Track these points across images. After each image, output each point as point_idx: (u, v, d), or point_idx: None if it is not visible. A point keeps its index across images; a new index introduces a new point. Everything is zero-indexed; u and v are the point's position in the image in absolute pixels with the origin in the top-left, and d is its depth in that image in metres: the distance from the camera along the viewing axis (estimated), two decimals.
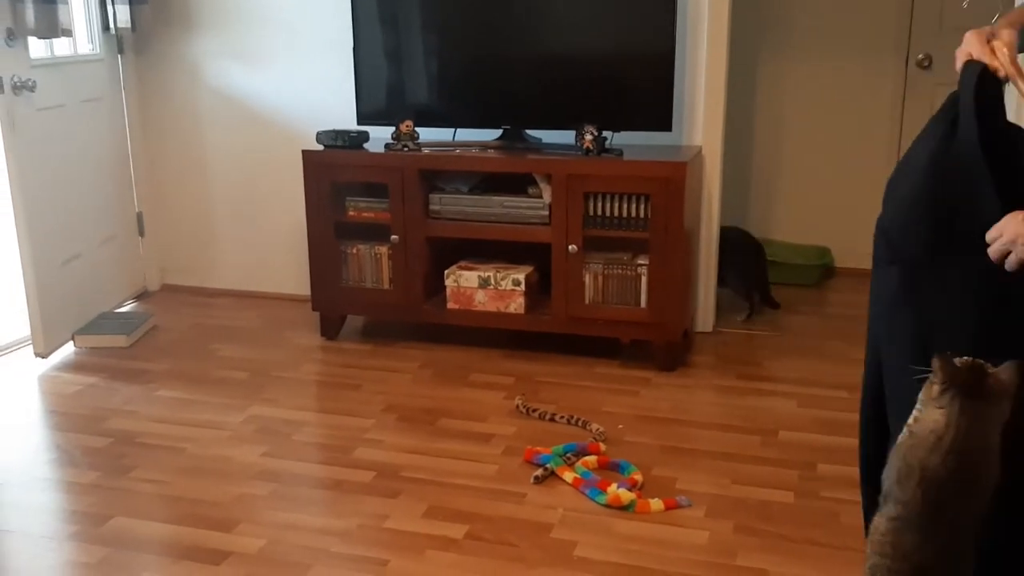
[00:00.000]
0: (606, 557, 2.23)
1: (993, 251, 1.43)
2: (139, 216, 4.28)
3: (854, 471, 2.62)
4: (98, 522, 2.40)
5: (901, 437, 1.47)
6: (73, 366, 3.50)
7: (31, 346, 3.54)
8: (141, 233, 4.30)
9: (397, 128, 3.49)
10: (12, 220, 3.40)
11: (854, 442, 2.79)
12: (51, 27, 3.38)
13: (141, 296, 4.32)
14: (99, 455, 2.78)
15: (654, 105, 3.33)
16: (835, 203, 4.65)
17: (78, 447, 2.83)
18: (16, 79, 3.30)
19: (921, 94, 4.44)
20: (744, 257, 3.96)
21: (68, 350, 3.65)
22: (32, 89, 3.36)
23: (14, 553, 2.27)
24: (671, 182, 3.17)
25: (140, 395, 3.22)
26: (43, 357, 3.52)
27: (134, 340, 3.72)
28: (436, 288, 3.61)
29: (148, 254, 4.35)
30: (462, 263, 3.59)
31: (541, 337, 3.65)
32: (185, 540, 2.31)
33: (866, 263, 4.81)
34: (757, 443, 2.81)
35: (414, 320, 3.63)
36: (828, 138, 4.60)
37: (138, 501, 2.51)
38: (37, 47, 3.59)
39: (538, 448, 2.73)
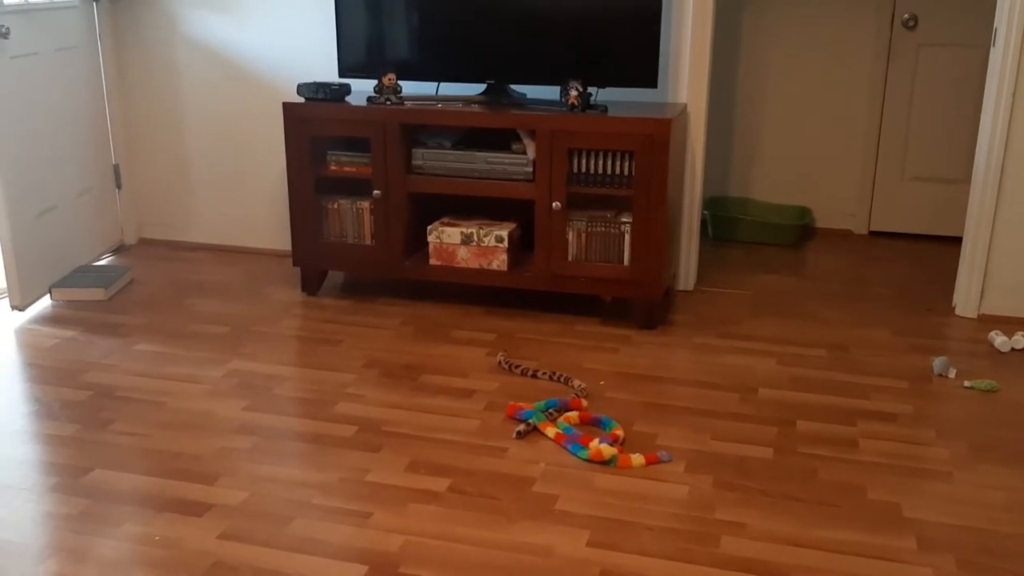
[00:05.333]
0: (587, 511, 2.25)
1: None
2: (116, 168, 4.21)
3: (833, 428, 2.66)
4: (78, 474, 2.39)
5: None
6: (50, 319, 3.46)
7: (7, 299, 3.49)
8: (118, 186, 4.24)
9: (380, 81, 3.44)
10: None
11: (832, 400, 2.84)
12: None
13: (118, 250, 4.27)
14: (78, 408, 2.76)
15: (640, 61, 3.31)
16: (816, 164, 4.66)
17: (57, 400, 2.81)
18: None
19: (905, 54, 4.43)
20: None
21: (45, 303, 3.61)
22: (6, 36, 3.28)
23: None
24: (656, 139, 3.15)
25: (118, 349, 3.19)
26: (20, 310, 3.48)
27: (112, 294, 3.68)
28: (418, 244, 3.59)
29: (125, 207, 4.29)
30: (444, 219, 3.57)
31: (522, 294, 3.65)
32: (166, 492, 2.31)
33: (845, 224, 4.87)
34: (736, 400, 2.83)
35: (396, 276, 3.61)
36: (810, 98, 4.59)
37: (118, 454, 2.50)
38: None
39: (520, 404, 2.74)
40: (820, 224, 4.71)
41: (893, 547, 2.11)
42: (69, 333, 3.33)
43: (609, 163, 3.26)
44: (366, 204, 3.57)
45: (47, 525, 2.18)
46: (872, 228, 4.66)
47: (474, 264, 3.48)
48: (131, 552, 2.07)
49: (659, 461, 2.47)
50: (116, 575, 1.99)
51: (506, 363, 3.04)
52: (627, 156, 3.23)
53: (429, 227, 3.51)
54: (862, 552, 2.09)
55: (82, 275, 3.77)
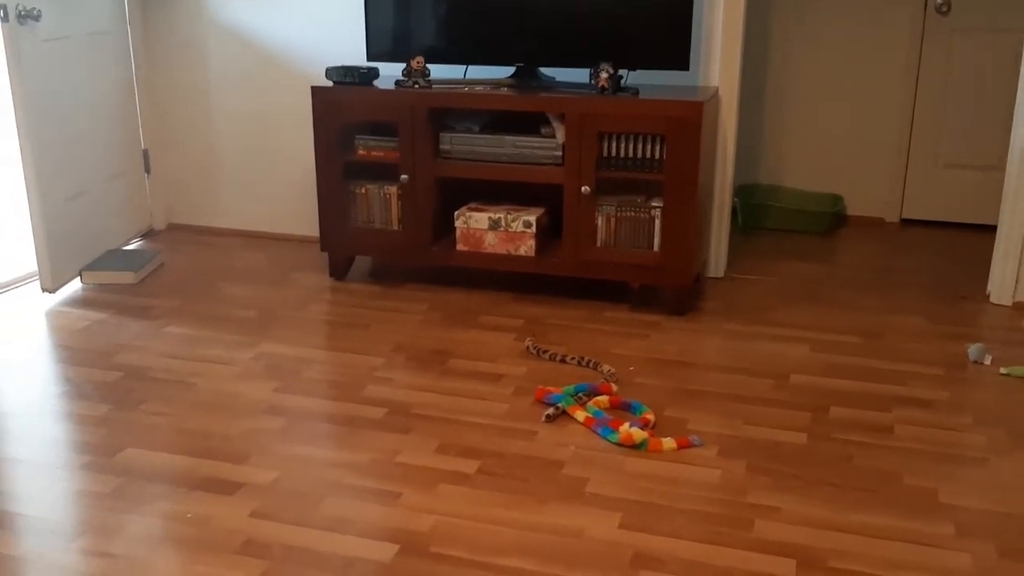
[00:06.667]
0: (618, 494, 2.23)
1: None
2: (145, 153, 4.23)
3: (867, 414, 2.63)
4: (110, 453, 2.40)
5: None
6: (81, 302, 3.48)
7: (38, 281, 3.52)
8: (147, 171, 4.26)
9: (408, 65, 3.43)
10: (18, 153, 3.36)
11: (867, 386, 2.80)
12: None
13: (148, 234, 4.29)
14: (109, 389, 2.77)
15: (671, 43, 3.27)
16: (848, 150, 4.60)
17: (88, 381, 2.83)
18: (21, 7, 3.23)
19: (939, 40, 4.36)
20: None
21: (75, 286, 3.63)
22: (37, 18, 3.30)
23: (28, 482, 2.27)
24: (687, 122, 3.12)
25: (149, 331, 3.20)
26: (50, 292, 3.50)
27: (142, 277, 3.70)
28: (445, 229, 3.58)
29: (154, 192, 4.31)
30: (472, 204, 3.55)
31: (550, 280, 3.63)
32: (198, 471, 2.32)
33: (878, 211, 4.80)
34: (769, 386, 2.80)
35: (423, 262, 3.60)
36: (842, 84, 4.53)
37: (149, 433, 2.51)
38: None
39: (549, 388, 2.72)
40: (852, 212, 4.65)
41: (931, 533, 2.08)
42: (100, 315, 3.34)
43: (639, 147, 3.23)
44: (393, 189, 3.56)
45: (80, 503, 2.19)
46: (905, 216, 4.60)
47: (501, 250, 3.46)
48: (163, 529, 2.08)
49: (691, 445, 2.44)
50: (148, 552, 2.00)
51: (534, 348, 3.03)
52: (658, 140, 3.20)
53: (456, 212, 3.50)
54: (899, 537, 2.06)
55: (112, 258, 3.79)
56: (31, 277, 3.63)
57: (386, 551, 2.00)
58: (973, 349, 2.99)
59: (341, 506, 2.17)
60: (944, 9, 4.32)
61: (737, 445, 2.46)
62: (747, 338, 3.16)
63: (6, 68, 3.25)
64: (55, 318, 3.33)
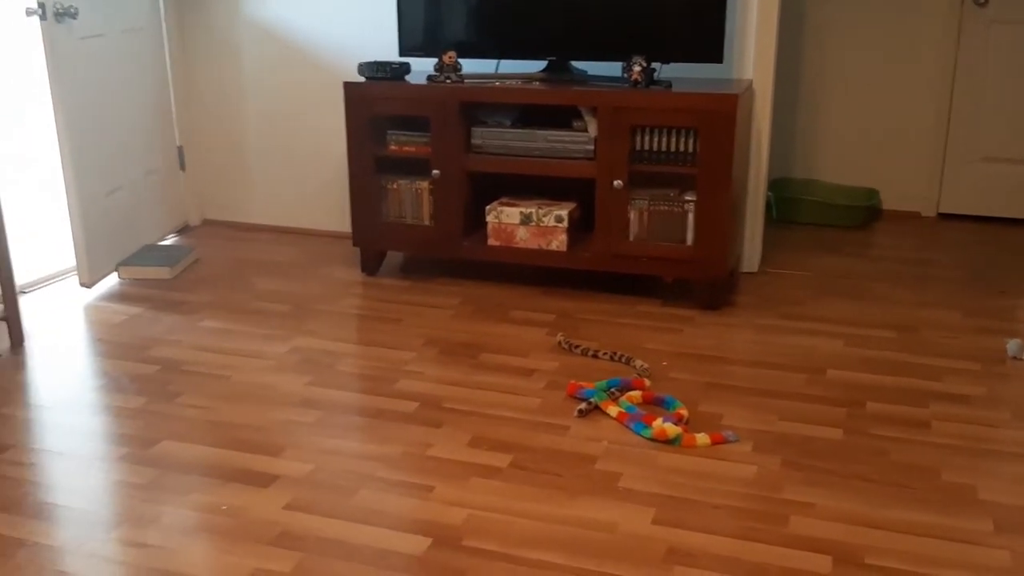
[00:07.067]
0: (651, 488, 2.22)
1: None
2: (180, 150, 4.28)
3: (904, 410, 2.60)
4: (146, 445, 2.43)
5: None
6: (118, 296, 3.53)
7: (76, 276, 3.57)
8: (182, 167, 4.30)
9: (440, 59, 3.43)
10: (57, 150, 3.40)
11: (903, 381, 2.77)
12: None
13: (182, 230, 4.33)
14: (146, 382, 2.80)
15: (705, 36, 3.25)
16: (884, 143, 4.54)
17: (125, 374, 2.86)
18: (58, 5, 3.28)
19: (976, 31, 4.29)
20: None
21: (112, 281, 3.68)
22: (74, 16, 3.34)
23: (67, 473, 2.30)
24: (721, 115, 3.09)
25: (184, 325, 3.24)
26: (87, 287, 3.55)
27: (177, 272, 3.74)
28: (476, 224, 3.58)
29: (189, 188, 4.35)
30: (503, 199, 3.55)
31: (581, 275, 3.62)
32: (233, 463, 2.34)
33: (913, 205, 4.74)
34: (803, 381, 2.77)
35: (454, 256, 3.60)
36: (877, 76, 4.47)
37: (185, 426, 2.53)
38: None
39: (581, 383, 2.72)
40: (887, 206, 4.60)
41: (969, 529, 2.05)
42: (136, 310, 3.38)
43: (673, 140, 3.21)
44: (425, 184, 3.56)
45: (117, 493, 2.21)
46: (941, 210, 4.54)
47: (533, 244, 3.45)
48: (199, 520, 2.10)
49: (725, 441, 2.43)
50: (185, 542, 2.02)
51: (566, 343, 3.02)
52: (691, 133, 3.18)
53: (488, 207, 3.49)
54: (937, 534, 2.03)
55: (148, 254, 3.84)
56: (69, 272, 3.68)
57: (419, 544, 2.01)
58: (1011, 344, 2.94)
59: (374, 499, 2.18)
60: (982, 0, 4.25)
61: (772, 440, 2.44)
62: (781, 333, 3.13)
63: (44, 66, 3.30)
64: (93, 312, 3.37)
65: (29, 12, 3.29)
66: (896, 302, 3.41)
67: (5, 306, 3.04)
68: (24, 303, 3.42)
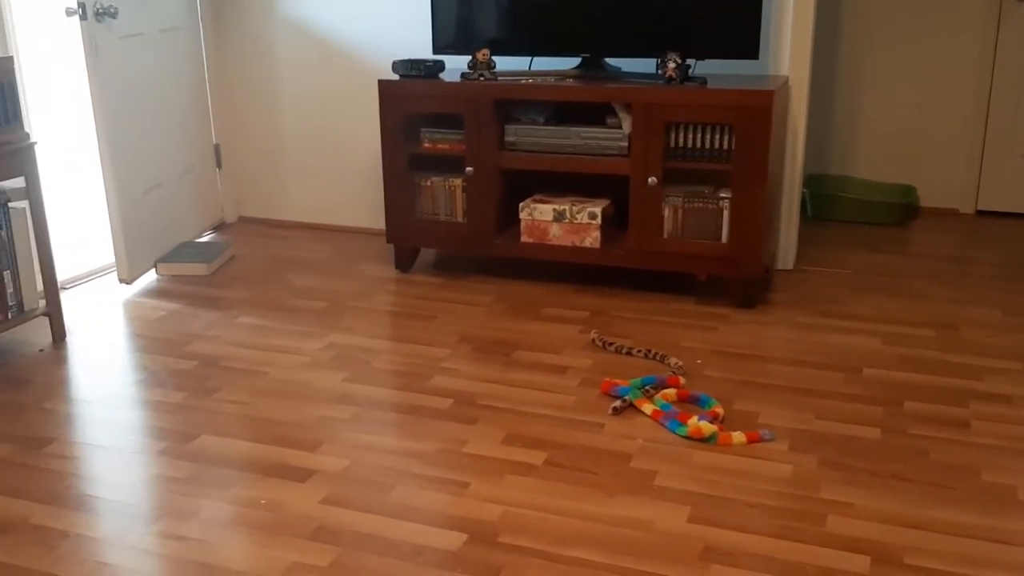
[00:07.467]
0: (687, 487, 2.21)
1: None
2: (216, 148, 4.32)
3: (943, 409, 2.56)
4: (185, 439, 2.46)
5: None
6: (156, 292, 3.57)
7: (115, 273, 3.62)
8: (219, 165, 4.35)
9: (473, 57, 3.44)
10: (96, 148, 3.45)
11: (942, 380, 2.73)
12: None
13: (219, 227, 4.38)
14: (184, 377, 2.84)
15: (740, 32, 3.23)
16: (921, 140, 4.49)
17: (164, 369, 2.90)
18: (98, 5, 3.32)
19: (1016, 27, 4.22)
20: None
21: (150, 277, 3.73)
22: (114, 16, 3.38)
23: (108, 466, 2.34)
24: (757, 112, 3.07)
25: (221, 321, 3.27)
26: (127, 283, 3.60)
27: (214, 269, 3.78)
28: (509, 221, 3.59)
29: (225, 186, 4.40)
30: (537, 196, 3.55)
31: (615, 272, 3.62)
32: (271, 458, 2.36)
33: (951, 203, 4.67)
34: (840, 379, 2.75)
35: (487, 253, 3.61)
36: (915, 72, 4.42)
37: (223, 421, 2.56)
38: None
39: (615, 380, 2.71)
40: (925, 203, 4.54)
41: (1010, 530, 2.02)
42: (174, 306, 3.43)
43: (707, 137, 3.19)
44: (458, 181, 3.57)
45: (157, 487, 2.24)
46: (980, 207, 4.48)
47: (566, 241, 3.45)
48: (237, 514, 2.12)
49: (761, 439, 2.41)
50: (223, 536, 2.04)
51: (600, 340, 3.02)
52: (726, 130, 3.16)
53: (521, 204, 3.50)
54: (977, 534, 2.01)
55: (186, 250, 3.88)
56: (109, 269, 3.74)
57: (454, 539, 2.01)
58: None
59: (410, 495, 2.19)
60: None
61: (808, 439, 2.42)
62: (817, 331, 3.11)
63: (84, 65, 3.34)
64: (132, 308, 3.42)
65: (69, 12, 3.34)
66: (935, 300, 3.37)
67: (47, 302, 3.09)
68: (65, 299, 3.48)
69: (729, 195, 3.21)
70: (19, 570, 1.94)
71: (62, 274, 3.54)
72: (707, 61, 3.39)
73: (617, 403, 2.59)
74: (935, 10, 4.32)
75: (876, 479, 2.23)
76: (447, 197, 3.62)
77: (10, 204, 2.96)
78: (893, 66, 4.44)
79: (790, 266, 3.70)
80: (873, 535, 2.01)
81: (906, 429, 2.46)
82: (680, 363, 2.84)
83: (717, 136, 3.18)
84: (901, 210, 4.32)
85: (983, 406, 2.58)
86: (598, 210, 3.39)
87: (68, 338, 3.15)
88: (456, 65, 3.74)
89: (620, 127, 3.31)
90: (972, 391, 2.67)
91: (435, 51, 3.63)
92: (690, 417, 2.48)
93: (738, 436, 2.40)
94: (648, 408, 2.56)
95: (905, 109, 4.48)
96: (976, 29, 4.28)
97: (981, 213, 4.48)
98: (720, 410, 2.53)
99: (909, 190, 4.45)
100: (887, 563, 1.92)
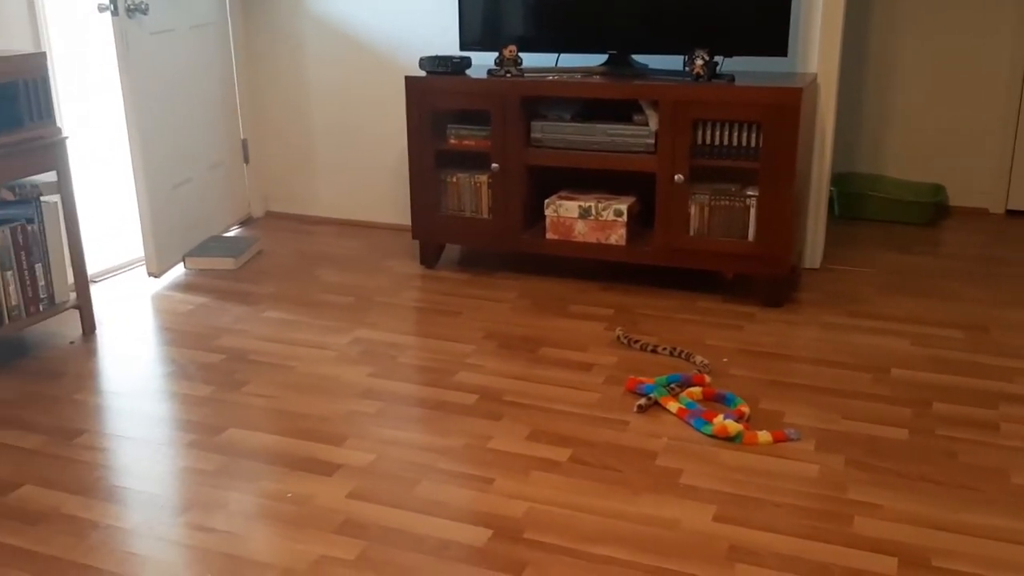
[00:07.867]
0: (713, 486, 2.20)
1: None
2: (244, 143, 4.35)
3: (972, 411, 2.54)
4: (213, 432, 2.49)
5: None
6: (184, 286, 3.61)
7: (144, 266, 3.65)
8: (246, 160, 4.38)
9: (500, 53, 3.44)
10: (127, 143, 3.49)
11: (971, 381, 2.71)
12: None
13: (246, 222, 4.41)
14: (212, 370, 2.86)
15: (769, 28, 3.21)
16: (951, 138, 4.44)
17: (192, 362, 2.93)
18: (130, 1, 3.35)
19: None
20: None
21: (179, 271, 3.76)
22: (145, 12, 3.41)
23: (136, 458, 2.37)
24: (785, 109, 3.06)
25: (249, 315, 3.30)
26: (155, 277, 3.63)
27: (241, 263, 3.81)
28: (535, 218, 3.59)
29: (253, 181, 4.43)
30: (562, 193, 3.55)
31: (640, 270, 3.61)
32: (298, 452, 2.38)
33: (982, 202, 4.62)
34: (868, 380, 2.73)
35: (512, 250, 3.61)
36: (945, 70, 4.37)
37: (251, 414, 2.58)
38: None
39: (641, 378, 2.71)
40: (954, 202, 4.49)
41: None
42: (202, 299, 3.46)
43: (735, 134, 3.18)
44: (484, 178, 3.58)
45: (185, 479, 2.27)
46: (1010, 207, 4.42)
47: (592, 238, 3.45)
48: (264, 507, 2.14)
49: (787, 439, 2.40)
50: (251, 528, 2.06)
51: (625, 338, 3.01)
52: (754, 127, 3.14)
53: (547, 201, 3.50)
54: (1006, 537, 1.99)
55: (214, 245, 3.91)
56: (138, 262, 3.78)
57: (480, 535, 2.02)
58: None
59: (436, 490, 2.20)
60: None
61: (835, 439, 2.40)
62: (845, 330, 3.09)
63: (116, 60, 3.38)
64: (160, 302, 3.45)
65: (101, 8, 3.38)
66: (964, 300, 3.33)
67: (78, 295, 3.13)
68: (95, 292, 3.52)
69: (756, 193, 3.19)
70: (50, 559, 1.97)
71: (92, 267, 3.58)
72: (735, 58, 3.37)
73: (642, 401, 2.59)
74: (966, 7, 4.27)
75: (904, 480, 2.21)
76: (473, 193, 3.62)
77: (42, 198, 3.00)
78: (923, 64, 4.40)
79: (817, 265, 3.67)
80: (901, 537, 2.00)
81: (934, 430, 2.44)
82: (706, 361, 2.83)
83: (744, 134, 3.16)
84: (930, 209, 4.27)
85: (1013, 408, 2.55)
86: (624, 207, 3.38)
87: (98, 331, 3.19)
88: (483, 62, 3.74)
89: (647, 124, 3.30)
90: (1002, 393, 2.64)
91: (462, 48, 3.63)
92: (716, 416, 2.47)
93: (764, 435, 2.39)
94: (673, 406, 2.56)
95: (935, 107, 4.43)
96: (1008, 26, 4.23)
97: (1011, 213, 4.43)
98: (746, 409, 2.52)
99: (938, 189, 4.41)
100: (915, 565, 1.90)
